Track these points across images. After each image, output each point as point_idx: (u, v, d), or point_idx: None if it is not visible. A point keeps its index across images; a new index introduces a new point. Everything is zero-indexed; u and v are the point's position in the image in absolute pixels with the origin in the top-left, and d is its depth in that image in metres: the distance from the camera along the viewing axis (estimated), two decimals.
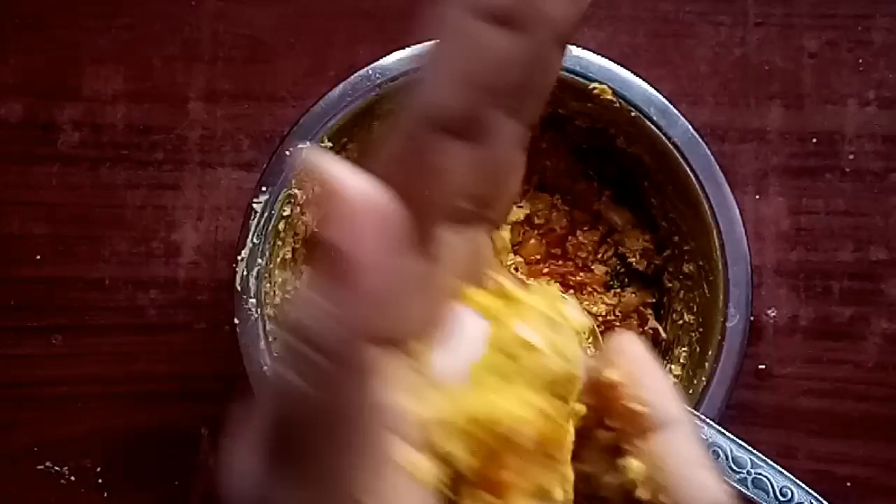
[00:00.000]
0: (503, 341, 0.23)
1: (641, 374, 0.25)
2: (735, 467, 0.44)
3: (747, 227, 0.47)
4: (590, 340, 0.53)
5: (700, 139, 0.47)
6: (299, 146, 0.47)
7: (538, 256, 0.56)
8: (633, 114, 0.47)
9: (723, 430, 0.45)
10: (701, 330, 0.49)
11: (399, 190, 0.19)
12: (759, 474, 0.44)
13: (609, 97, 0.47)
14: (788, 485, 0.44)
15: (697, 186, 0.47)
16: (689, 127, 0.47)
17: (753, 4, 0.57)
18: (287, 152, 0.47)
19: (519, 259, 0.55)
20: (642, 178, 0.52)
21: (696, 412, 0.46)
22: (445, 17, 0.20)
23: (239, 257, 0.47)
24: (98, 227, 0.56)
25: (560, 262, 0.56)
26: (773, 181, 0.56)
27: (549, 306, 0.24)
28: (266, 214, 0.47)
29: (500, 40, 0.20)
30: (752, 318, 0.47)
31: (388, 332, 0.19)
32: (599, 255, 0.55)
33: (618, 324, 0.54)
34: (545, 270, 0.55)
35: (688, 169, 0.47)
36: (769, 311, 0.56)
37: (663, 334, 0.54)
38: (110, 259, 0.56)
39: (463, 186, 0.21)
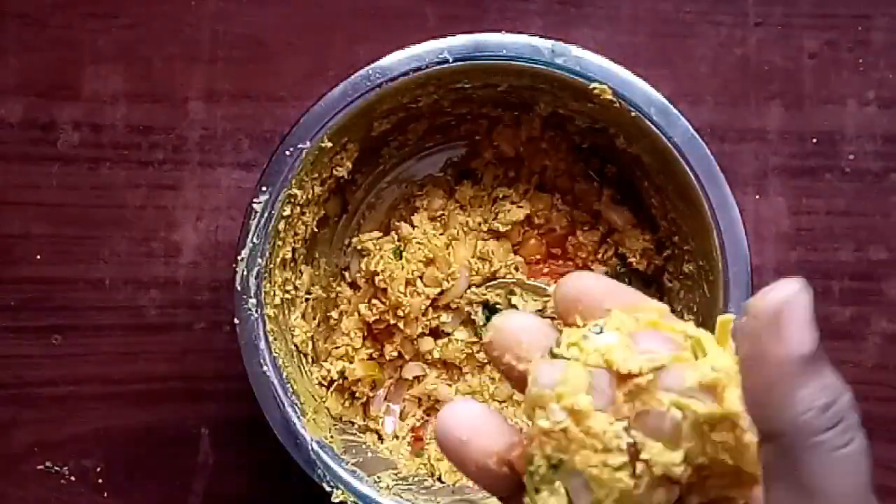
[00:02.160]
0: None
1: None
2: None
3: (747, 227, 0.47)
4: None
5: (700, 139, 0.47)
6: (299, 146, 0.47)
7: (538, 256, 0.56)
8: (633, 114, 0.47)
9: None
10: None
11: None
12: None
13: (609, 97, 0.47)
14: None
15: (697, 186, 0.47)
16: (689, 127, 0.47)
17: (753, 4, 0.57)
18: (287, 152, 0.47)
19: (519, 259, 0.55)
20: (642, 178, 0.52)
21: None
22: None
23: (239, 257, 0.47)
24: (98, 227, 0.56)
25: (560, 262, 0.56)
26: (773, 181, 0.56)
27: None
28: (266, 214, 0.47)
29: None
30: None
31: None
32: (599, 255, 0.55)
33: None
34: (545, 270, 0.55)
35: (688, 169, 0.47)
36: None
37: None
38: (110, 259, 0.56)
39: None
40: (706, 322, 0.48)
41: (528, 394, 0.27)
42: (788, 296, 0.23)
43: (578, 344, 0.27)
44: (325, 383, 0.54)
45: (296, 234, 0.50)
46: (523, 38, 0.47)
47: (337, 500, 0.47)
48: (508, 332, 0.28)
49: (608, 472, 0.25)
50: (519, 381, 0.28)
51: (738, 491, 0.26)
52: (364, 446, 0.52)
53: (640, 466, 0.25)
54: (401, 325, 0.53)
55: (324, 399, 0.53)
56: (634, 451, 0.25)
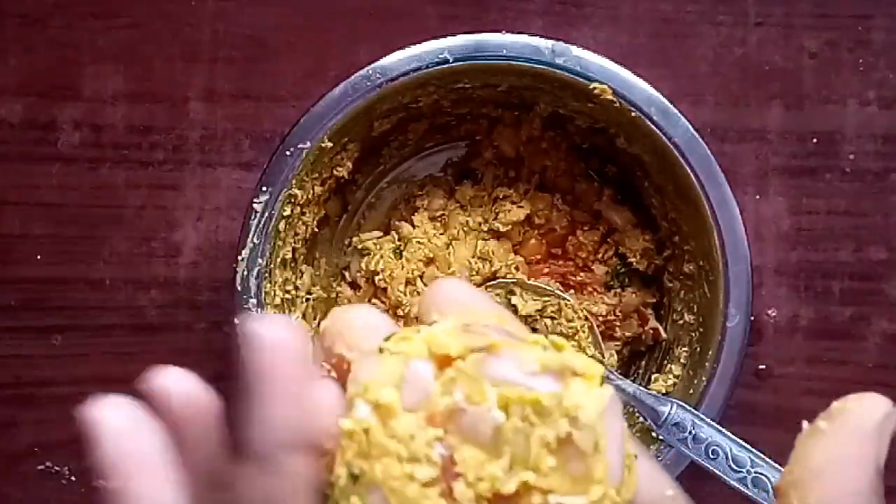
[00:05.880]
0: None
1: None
2: (735, 467, 0.44)
3: (747, 227, 0.47)
4: (589, 339, 0.54)
5: (700, 139, 0.47)
6: (299, 146, 0.47)
7: (538, 256, 0.56)
8: (633, 114, 0.47)
9: (723, 430, 0.45)
10: (701, 330, 0.49)
11: None
12: (759, 473, 0.44)
13: (609, 97, 0.47)
14: None
15: (697, 186, 0.47)
16: (690, 127, 0.47)
17: (753, 4, 0.57)
18: (287, 152, 0.47)
19: (519, 259, 0.55)
20: (642, 178, 0.52)
21: (695, 412, 0.46)
22: None
23: (239, 257, 0.47)
24: (98, 227, 0.56)
25: (560, 262, 0.56)
26: (773, 181, 0.56)
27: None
28: (266, 214, 0.47)
29: None
30: (752, 318, 0.47)
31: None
32: (600, 255, 0.55)
33: (618, 324, 0.54)
34: (545, 270, 0.55)
35: (688, 169, 0.47)
36: (769, 311, 0.56)
37: (663, 334, 0.54)
38: (110, 259, 0.56)
39: None
40: (706, 322, 0.49)
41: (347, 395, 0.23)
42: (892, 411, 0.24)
43: (409, 338, 0.23)
44: None
45: (296, 234, 0.50)
46: (523, 38, 0.47)
47: None
48: (344, 319, 0.25)
49: (414, 489, 0.21)
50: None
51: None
52: None
53: (457, 488, 0.21)
54: (401, 324, 0.53)
55: None
56: (449, 463, 0.21)
